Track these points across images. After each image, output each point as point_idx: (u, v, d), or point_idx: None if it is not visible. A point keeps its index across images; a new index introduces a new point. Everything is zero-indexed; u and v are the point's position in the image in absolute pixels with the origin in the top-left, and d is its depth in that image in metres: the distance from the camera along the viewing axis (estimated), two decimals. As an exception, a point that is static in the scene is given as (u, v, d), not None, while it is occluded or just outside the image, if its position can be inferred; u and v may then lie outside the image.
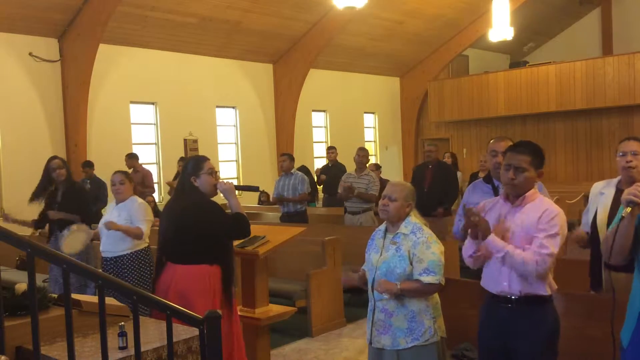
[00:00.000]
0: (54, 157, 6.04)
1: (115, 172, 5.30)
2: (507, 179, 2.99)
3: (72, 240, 5.26)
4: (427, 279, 3.15)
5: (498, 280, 2.98)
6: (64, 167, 5.87)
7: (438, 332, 3.24)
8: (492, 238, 2.91)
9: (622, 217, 2.43)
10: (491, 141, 4.16)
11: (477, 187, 4.22)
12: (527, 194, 2.99)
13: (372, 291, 3.29)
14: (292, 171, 8.22)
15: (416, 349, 3.18)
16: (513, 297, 2.94)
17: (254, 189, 4.61)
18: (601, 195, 3.69)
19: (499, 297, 2.99)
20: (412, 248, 3.21)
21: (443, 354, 3.29)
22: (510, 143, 4.03)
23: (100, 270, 5.13)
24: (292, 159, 8.34)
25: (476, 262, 3.08)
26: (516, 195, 3.00)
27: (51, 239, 5.86)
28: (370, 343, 3.31)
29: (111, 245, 5.09)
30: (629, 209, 2.38)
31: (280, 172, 8.52)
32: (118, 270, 5.04)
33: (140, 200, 5.27)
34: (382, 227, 3.42)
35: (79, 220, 5.64)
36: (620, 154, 3.58)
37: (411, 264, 3.19)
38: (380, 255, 3.29)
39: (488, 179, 4.13)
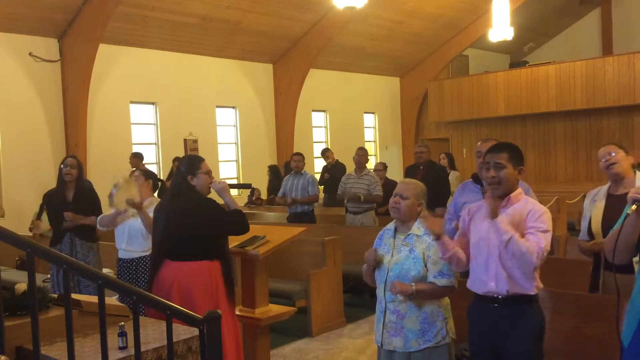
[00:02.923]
0: (68, 156, 5.85)
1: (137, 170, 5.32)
2: (488, 178, 3.02)
3: (122, 196, 4.84)
4: (442, 281, 3.14)
5: (484, 281, 3.01)
6: (76, 167, 5.59)
7: (449, 334, 3.23)
8: (501, 220, 2.92)
9: (627, 215, 2.42)
10: (478, 143, 4.19)
11: (466, 187, 4.26)
12: (511, 195, 3.01)
13: (384, 292, 3.24)
14: (302, 171, 8.15)
15: (428, 351, 3.16)
16: (500, 297, 2.97)
17: (247, 186, 4.87)
18: (593, 202, 3.75)
19: (486, 298, 3.02)
20: (426, 250, 3.18)
21: (452, 356, 3.28)
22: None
23: (116, 270, 5.06)
24: (304, 158, 8.27)
25: (453, 262, 3.10)
26: (500, 196, 3.01)
27: (62, 245, 5.54)
28: (382, 345, 3.27)
29: (132, 245, 4.95)
30: (634, 207, 2.37)
31: (283, 172, 8.50)
32: (139, 273, 4.91)
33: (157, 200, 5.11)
34: (391, 226, 3.37)
35: (94, 223, 5.39)
36: (602, 160, 3.70)
37: (425, 266, 3.17)
38: (392, 256, 3.25)
39: (477, 179, 4.15)
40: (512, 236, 2.87)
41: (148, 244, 4.80)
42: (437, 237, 3.03)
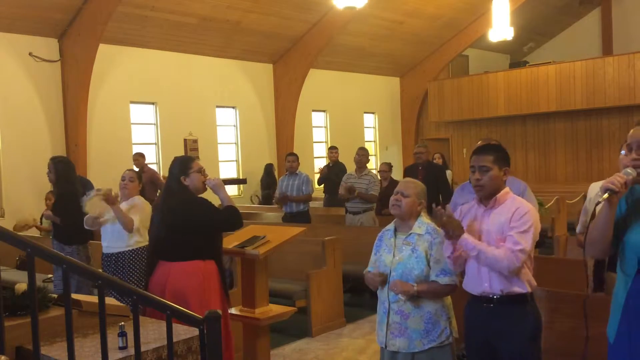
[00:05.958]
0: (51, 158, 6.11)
1: (128, 170, 5.49)
2: (474, 181, 3.04)
3: (94, 203, 5.12)
4: (444, 280, 3.15)
5: (479, 282, 3.01)
6: (51, 171, 5.87)
7: (452, 333, 3.23)
8: (466, 237, 2.95)
9: (599, 203, 2.38)
10: (478, 143, 4.18)
11: (465, 189, 4.26)
12: (498, 195, 3.02)
13: (387, 293, 3.23)
14: (297, 171, 8.19)
15: (432, 351, 3.16)
16: (494, 297, 2.97)
17: (242, 181, 4.92)
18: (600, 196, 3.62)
19: (481, 298, 3.02)
20: (429, 249, 3.18)
21: (455, 355, 3.28)
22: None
23: (101, 265, 5.20)
24: (298, 159, 8.35)
25: (455, 263, 3.10)
26: (487, 197, 3.03)
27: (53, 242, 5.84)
28: (385, 346, 3.26)
29: (113, 242, 5.14)
30: (605, 196, 2.34)
31: (283, 172, 8.52)
32: (118, 267, 5.09)
33: (142, 200, 5.33)
34: (391, 227, 3.37)
35: (58, 222, 5.72)
36: (634, 143, 3.50)
37: (428, 264, 3.17)
38: (394, 256, 3.24)
39: None
40: (479, 251, 2.91)
41: (129, 241, 5.11)
42: (457, 236, 2.97)
